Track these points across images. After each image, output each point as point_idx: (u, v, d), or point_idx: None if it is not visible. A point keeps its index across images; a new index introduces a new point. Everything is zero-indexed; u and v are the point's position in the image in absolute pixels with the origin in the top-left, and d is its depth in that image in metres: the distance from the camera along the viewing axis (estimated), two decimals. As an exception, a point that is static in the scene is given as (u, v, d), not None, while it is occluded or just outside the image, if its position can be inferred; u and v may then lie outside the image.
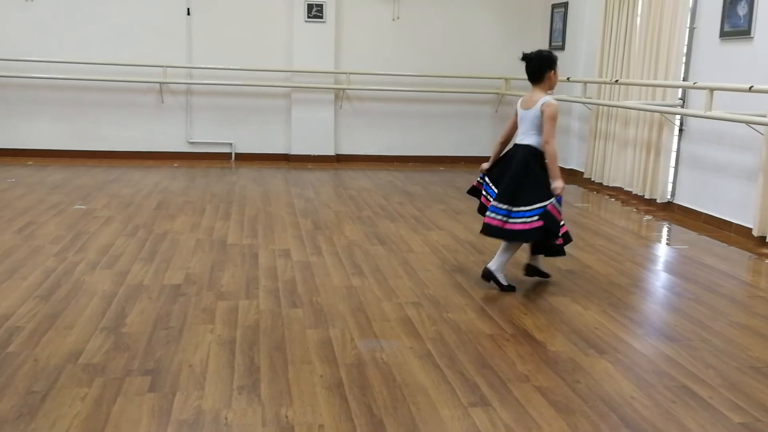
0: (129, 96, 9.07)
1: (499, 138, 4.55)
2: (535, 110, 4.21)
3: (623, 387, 2.94)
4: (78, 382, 2.81)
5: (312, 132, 9.42)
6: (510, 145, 4.46)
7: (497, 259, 4.24)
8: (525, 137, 4.26)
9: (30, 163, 8.43)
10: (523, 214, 4.06)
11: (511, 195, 4.12)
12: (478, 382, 2.94)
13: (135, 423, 2.53)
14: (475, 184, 4.53)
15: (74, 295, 3.85)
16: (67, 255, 4.63)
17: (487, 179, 4.41)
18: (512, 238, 4.13)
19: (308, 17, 9.11)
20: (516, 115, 4.39)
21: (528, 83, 4.41)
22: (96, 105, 9.03)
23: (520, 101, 4.41)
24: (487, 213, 4.19)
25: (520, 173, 4.15)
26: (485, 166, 4.49)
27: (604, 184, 8.00)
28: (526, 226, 4.04)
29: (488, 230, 4.17)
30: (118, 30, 8.85)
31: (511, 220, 4.09)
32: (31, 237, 5.04)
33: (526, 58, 4.40)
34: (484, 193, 4.39)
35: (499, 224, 4.12)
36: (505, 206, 4.11)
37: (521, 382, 2.95)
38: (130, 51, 8.85)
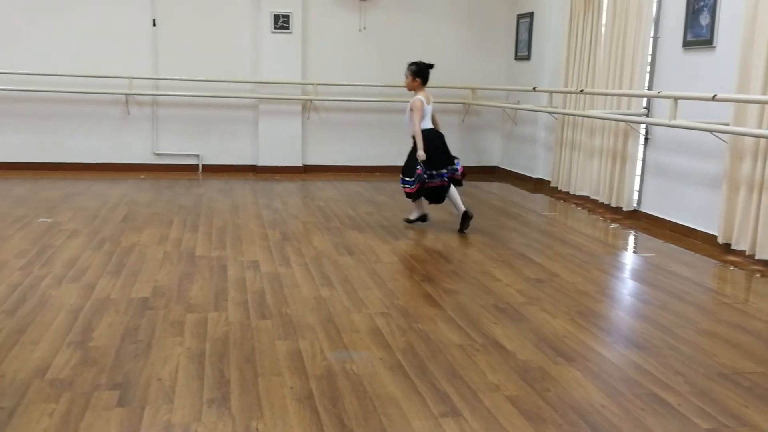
0: (94, 107, 8.97)
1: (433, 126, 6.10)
2: (432, 105, 6.09)
3: (592, 395, 2.97)
4: (45, 398, 2.77)
5: (279, 143, 9.40)
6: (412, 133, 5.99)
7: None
8: (430, 123, 6.07)
9: (-8, 175, 8.29)
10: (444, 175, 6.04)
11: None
12: (448, 392, 2.95)
13: (103, 439, 2.50)
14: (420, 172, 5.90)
15: (40, 310, 3.79)
16: (33, 269, 4.55)
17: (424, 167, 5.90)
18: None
19: (275, 28, 9.10)
20: (423, 109, 5.96)
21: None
22: (61, 117, 8.91)
23: (424, 99, 6.00)
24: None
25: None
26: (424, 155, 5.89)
27: (571, 192, 8.10)
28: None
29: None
30: (83, 41, 8.77)
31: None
32: (-5, 251, 4.96)
33: (431, 66, 6.17)
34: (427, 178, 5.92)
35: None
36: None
37: (492, 391, 2.97)
38: (96, 62, 8.76)
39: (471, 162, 10.02)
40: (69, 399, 2.77)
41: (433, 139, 6.00)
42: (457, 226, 6.07)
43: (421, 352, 3.38)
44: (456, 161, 6.15)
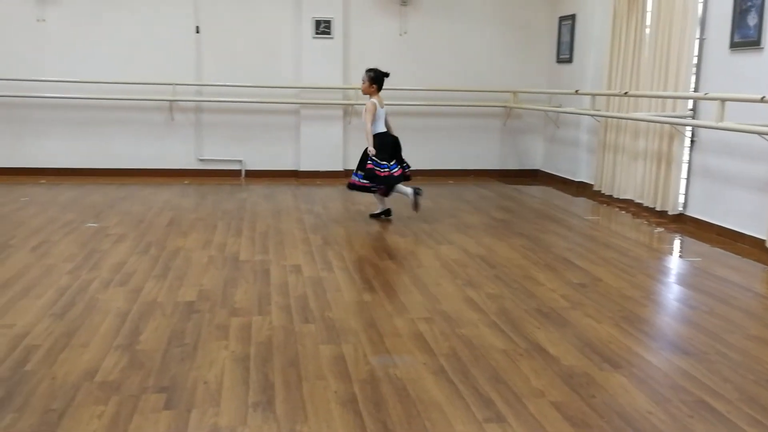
0: (139, 114, 9.14)
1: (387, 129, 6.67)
2: (385, 108, 6.65)
3: (639, 401, 2.93)
4: (95, 400, 2.83)
5: (321, 148, 9.45)
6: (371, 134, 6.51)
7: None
8: (383, 126, 6.64)
9: (43, 181, 8.49)
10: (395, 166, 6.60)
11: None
12: (492, 397, 2.94)
13: (151, 441, 2.54)
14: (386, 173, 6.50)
15: (89, 313, 3.87)
16: (81, 273, 4.66)
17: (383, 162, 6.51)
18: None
19: (316, 33, 9.17)
20: (376, 112, 6.52)
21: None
22: (107, 123, 9.10)
23: (378, 102, 6.56)
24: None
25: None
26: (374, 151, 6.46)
27: (614, 196, 8.00)
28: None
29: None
30: (129, 48, 8.94)
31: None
32: (45, 255, 5.08)
33: (387, 74, 6.73)
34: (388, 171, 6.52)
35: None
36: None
37: (536, 397, 2.94)
38: (141, 69, 8.92)
39: (512, 165, 9.99)
40: (117, 401, 2.83)
41: (388, 139, 6.63)
42: (376, 214, 6.76)
43: (464, 356, 3.37)
44: (405, 165, 6.74)
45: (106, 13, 8.89)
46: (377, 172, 6.45)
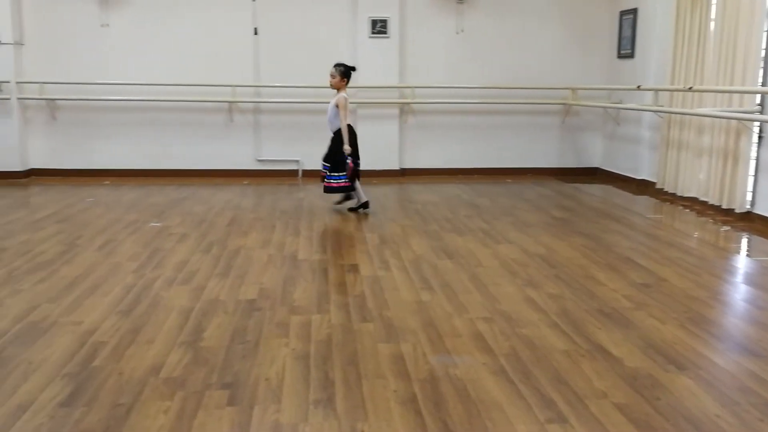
0: (199, 116, 9.31)
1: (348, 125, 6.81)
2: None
3: (706, 404, 2.85)
4: (160, 396, 2.89)
5: (377, 147, 9.46)
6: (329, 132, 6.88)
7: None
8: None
9: (107, 182, 8.73)
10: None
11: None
12: (554, 398, 2.90)
13: (215, 436, 2.58)
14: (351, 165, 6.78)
15: (153, 311, 3.97)
16: (145, 271, 4.77)
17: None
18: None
19: (372, 33, 9.19)
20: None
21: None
22: (168, 125, 9.30)
23: (348, 99, 6.86)
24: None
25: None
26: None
27: (678, 194, 7.80)
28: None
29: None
30: (189, 51, 9.11)
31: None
32: (111, 254, 5.22)
33: (354, 68, 7.02)
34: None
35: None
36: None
37: (599, 398, 2.89)
38: (201, 71, 9.09)
39: (571, 163, 9.84)
40: (182, 397, 2.88)
41: (355, 133, 6.94)
42: (355, 208, 6.98)
43: (524, 357, 3.33)
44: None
45: (167, 17, 9.09)
46: (350, 165, 6.76)
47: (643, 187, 8.56)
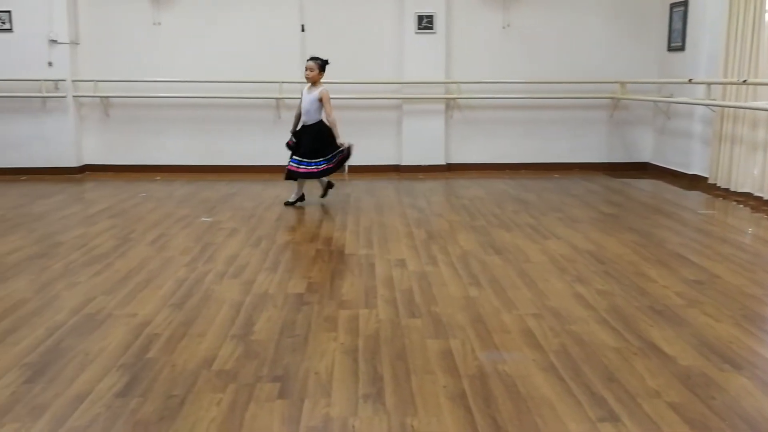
0: (248, 112, 9.41)
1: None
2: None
3: (764, 404, 2.79)
4: (213, 388, 2.94)
5: (423, 142, 9.47)
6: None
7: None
8: None
9: (158, 178, 8.89)
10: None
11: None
12: (605, 396, 2.87)
13: (267, 429, 2.63)
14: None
15: (205, 304, 4.04)
16: (197, 265, 4.85)
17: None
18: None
19: (418, 28, 9.18)
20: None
21: None
22: (217, 121, 9.42)
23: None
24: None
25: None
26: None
27: (731, 189, 7.63)
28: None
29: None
30: (238, 48, 9.21)
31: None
32: (163, 248, 5.32)
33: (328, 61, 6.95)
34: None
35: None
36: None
37: (651, 397, 2.85)
38: (249, 68, 9.18)
39: (620, 158, 9.69)
40: (234, 389, 2.93)
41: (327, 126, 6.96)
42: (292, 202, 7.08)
43: (574, 354, 3.30)
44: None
45: (216, 15, 9.20)
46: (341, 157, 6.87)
47: (694, 182, 8.39)
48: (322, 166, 6.83)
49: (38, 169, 9.09)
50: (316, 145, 6.81)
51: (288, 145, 7.04)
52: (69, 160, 9.20)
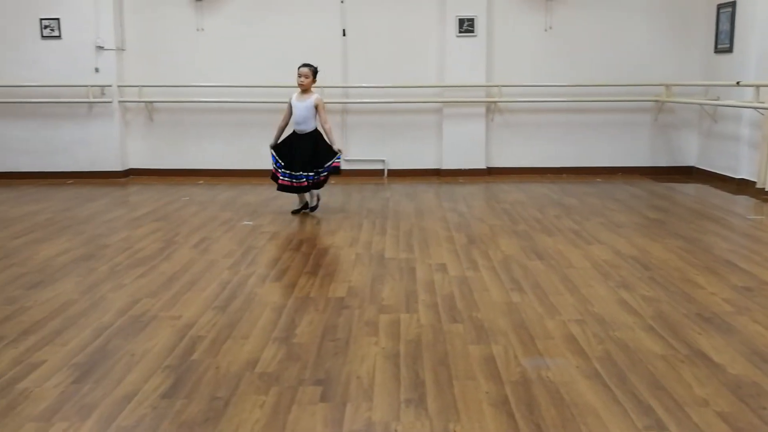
0: (289, 116, 9.47)
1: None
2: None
3: (817, 416, 2.71)
4: (256, 390, 2.97)
5: (463, 146, 9.43)
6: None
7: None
8: None
9: (201, 182, 9.00)
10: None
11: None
12: (652, 404, 2.81)
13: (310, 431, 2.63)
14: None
15: (248, 306, 4.07)
16: (240, 268, 4.90)
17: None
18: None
19: (459, 32, 9.15)
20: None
21: None
22: (259, 126, 9.43)
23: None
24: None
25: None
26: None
27: (780, 194, 7.44)
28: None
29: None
30: (279, 53, 9.28)
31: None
32: (207, 251, 5.39)
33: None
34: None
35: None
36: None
37: (700, 406, 2.79)
38: (290, 73, 9.19)
39: (664, 162, 9.54)
40: (277, 392, 2.95)
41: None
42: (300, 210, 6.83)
43: (619, 361, 3.25)
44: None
45: (258, 21, 9.30)
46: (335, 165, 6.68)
47: (742, 186, 8.20)
48: (322, 176, 6.63)
49: (84, 173, 9.28)
50: (312, 155, 6.54)
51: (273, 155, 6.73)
52: (114, 164, 9.38)
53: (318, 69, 6.87)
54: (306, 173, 6.52)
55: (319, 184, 6.68)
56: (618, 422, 2.68)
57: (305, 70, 6.70)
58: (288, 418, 2.73)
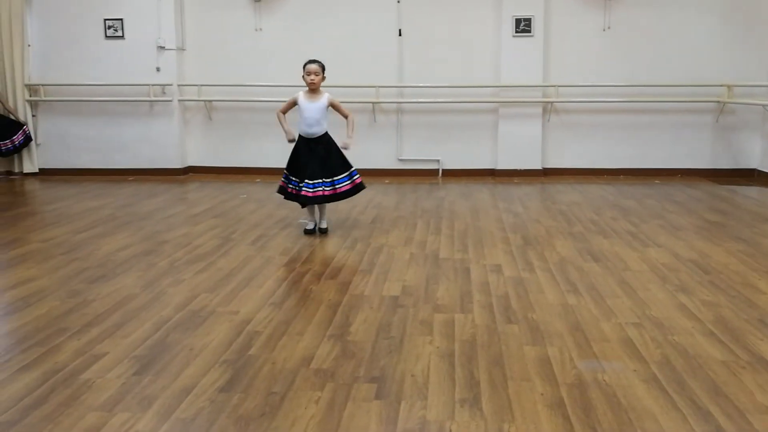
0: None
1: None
2: None
3: None
4: (311, 386, 3.00)
5: (519, 146, 9.36)
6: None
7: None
8: None
9: (258, 180, 9.13)
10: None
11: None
12: (712, 410, 2.76)
13: (364, 429, 2.66)
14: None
15: (303, 303, 4.13)
16: (295, 266, 4.97)
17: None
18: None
19: (516, 32, 9.09)
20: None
21: None
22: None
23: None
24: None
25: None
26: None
27: None
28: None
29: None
30: (335, 53, 9.31)
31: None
32: (264, 248, 5.47)
33: None
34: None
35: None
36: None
37: (762, 414, 2.73)
38: (346, 73, 9.29)
39: (726, 165, 9.31)
40: (332, 388, 2.98)
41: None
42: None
43: (678, 366, 3.19)
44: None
45: (315, 20, 9.39)
46: None
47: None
48: (346, 185, 5.90)
49: (144, 170, 9.53)
50: (329, 160, 5.86)
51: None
52: (173, 161, 9.59)
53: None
54: (323, 180, 5.78)
55: (338, 196, 5.89)
56: (677, 428, 2.63)
57: (316, 67, 5.93)
58: (343, 414, 2.76)
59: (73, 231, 6.12)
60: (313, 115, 5.87)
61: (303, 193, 5.74)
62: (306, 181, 5.75)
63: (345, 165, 5.95)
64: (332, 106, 5.99)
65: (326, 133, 5.97)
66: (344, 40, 9.37)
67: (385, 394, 2.92)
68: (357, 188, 5.97)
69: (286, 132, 6.05)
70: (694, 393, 2.91)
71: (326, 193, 5.80)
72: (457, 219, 6.62)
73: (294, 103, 6.00)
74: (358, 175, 5.99)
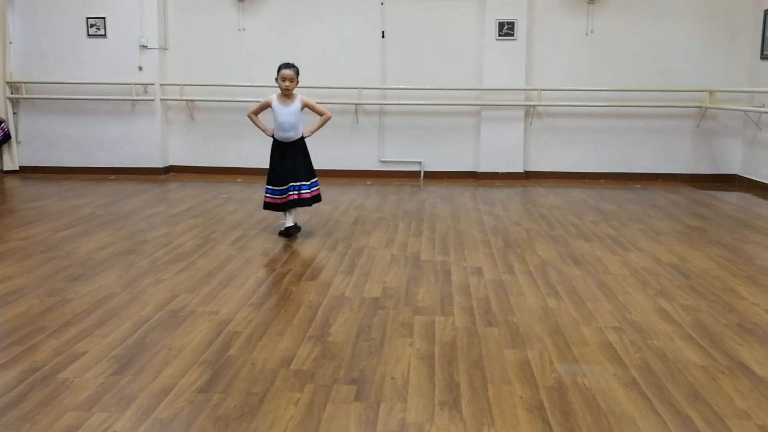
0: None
1: None
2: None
3: None
4: (291, 387, 2.99)
5: (501, 149, 9.39)
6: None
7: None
8: None
9: (239, 180, 9.09)
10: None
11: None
12: (691, 415, 2.77)
13: (344, 430, 2.65)
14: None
15: (283, 304, 4.11)
16: (276, 266, 4.94)
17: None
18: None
19: (499, 35, 9.11)
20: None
21: None
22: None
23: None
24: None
25: None
26: None
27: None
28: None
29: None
30: (318, 54, 9.34)
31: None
32: (244, 248, 5.44)
33: None
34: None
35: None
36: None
37: (741, 419, 2.74)
38: (329, 74, 9.29)
39: (706, 170, 9.38)
40: (312, 390, 2.97)
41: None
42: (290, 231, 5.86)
43: (657, 370, 3.20)
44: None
45: (298, 21, 9.36)
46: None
47: (787, 195, 8.04)
48: (306, 193, 5.82)
49: (126, 169, 9.45)
50: (306, 164, 5.89)
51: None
52: (155, 160, 9.52)
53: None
54: (294, 183, 5.74)
55: (303, 202, 5.83)
56: (655, 432, 2.64)
57: (291, 73, 5.75)
58: (322, 416, 2.75)
59: (53, 229, 6.05)
60: (288, 120, 5.79)
61: (281, 200, 5.80)
62: (291, 183, 5.76)
63: (310, 174, 5.91)
64: (307, 106, 5.91)
65: (302, 137, 5.92)
66: (327, 42, 9.35)
67: (365, 396, 2.91)
68: (314, 199, 5.92)
69: (263, 130, 6.03)
70: (673, 397, 2.93)
71: (296, 198, 5.79)
72: (439, 221, 6.62)
73: (267, 106, 5.90)
74: (318, 186, 5.97)
